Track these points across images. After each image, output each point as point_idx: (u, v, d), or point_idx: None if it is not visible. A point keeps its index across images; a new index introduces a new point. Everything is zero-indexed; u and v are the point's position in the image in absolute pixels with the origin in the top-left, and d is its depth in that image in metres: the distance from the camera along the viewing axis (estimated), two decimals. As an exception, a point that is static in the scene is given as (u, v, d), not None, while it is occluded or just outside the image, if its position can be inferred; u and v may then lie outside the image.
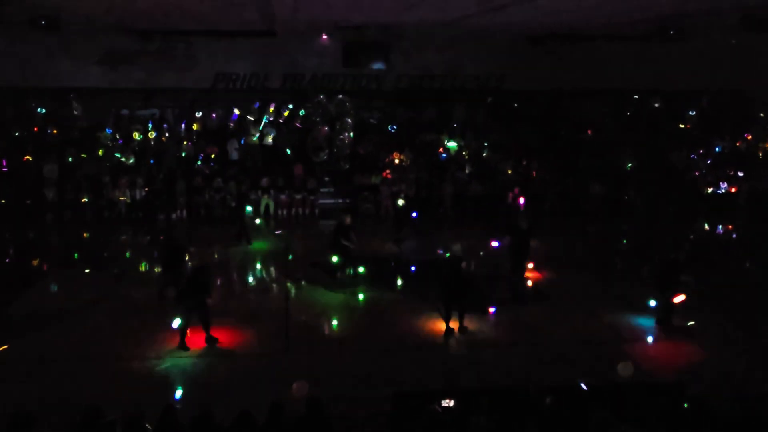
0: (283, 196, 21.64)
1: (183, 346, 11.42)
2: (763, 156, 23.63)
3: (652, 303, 12.90)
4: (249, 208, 19.46)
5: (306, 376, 9.39)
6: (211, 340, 11.67)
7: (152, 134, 22.85)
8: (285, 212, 21.68)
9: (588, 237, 19.29)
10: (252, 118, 23.23)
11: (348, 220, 15.23)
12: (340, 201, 21.88)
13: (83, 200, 20.71)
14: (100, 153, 22.29)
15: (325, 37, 22.31)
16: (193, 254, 15.84)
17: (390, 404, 8.72)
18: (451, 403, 8.30)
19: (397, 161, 22.63)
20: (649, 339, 12.14)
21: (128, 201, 20.92)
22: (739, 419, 8.10)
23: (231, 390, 9.97)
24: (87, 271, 16.04)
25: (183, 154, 22.67)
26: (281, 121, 23.51)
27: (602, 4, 14.36)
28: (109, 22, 18.26)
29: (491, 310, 13.27)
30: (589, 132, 24.17)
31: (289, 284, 13.81)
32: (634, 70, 23.42)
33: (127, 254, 17.94)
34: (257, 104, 23.48)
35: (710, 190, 22.42)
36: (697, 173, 22.96)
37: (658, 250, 16.03)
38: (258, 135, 23.01)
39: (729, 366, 10.89)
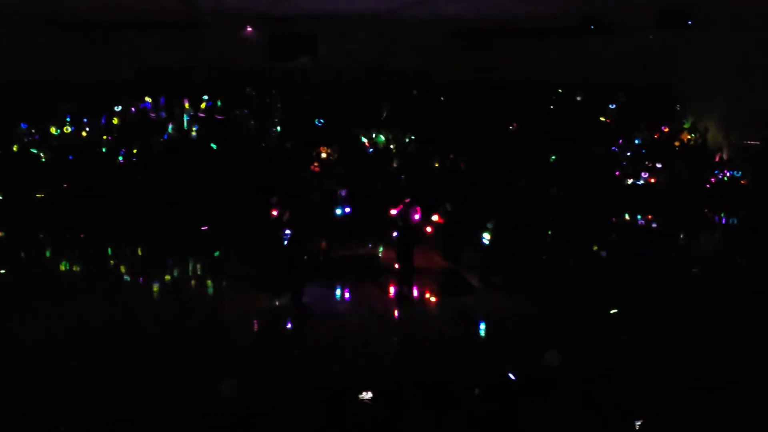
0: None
1: None
2: (680, 147, 24.45)
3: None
4: None
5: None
6: None
7: (68, 129, 21.96)
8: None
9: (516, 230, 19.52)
10: (175, 112, 22.65)
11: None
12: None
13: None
14: (14, 149, 21.38)
15: (250, 29, 21.99)
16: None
17: (322, 400, 8.67)
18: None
19: (324, 155, 22.46)
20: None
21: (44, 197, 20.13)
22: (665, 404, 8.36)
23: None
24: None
25: (103, 150, 21.93)
26: (204, 115, 22.97)
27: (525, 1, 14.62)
28: (26, 13, 17.53)
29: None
30: (515, 126, 24.52)
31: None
32: (558, 65, 23.97)
33: (47, 253, 17.31)
34: (182, 98, 22.90)
35: (630, 181, 23.08)
36: (617, 165, 23.60)
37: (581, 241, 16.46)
38: (182, 129, 22.43)
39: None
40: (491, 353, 11.16)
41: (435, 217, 15.44)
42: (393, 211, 15.03)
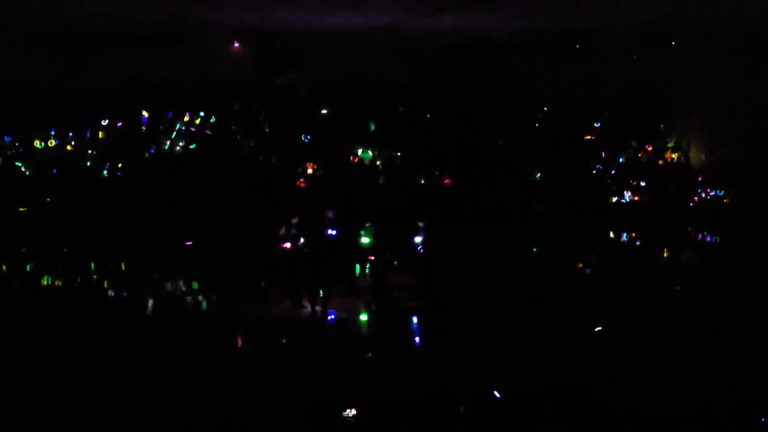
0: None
1: None
2: (663, 166, 24.62)
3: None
4: None
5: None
6: None
7: (52, 142, 21.81)
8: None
9: (500, 247, 19.57)
10: (162, 127, 22.58)
11: None
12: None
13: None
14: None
15: (237, 44, 22.01)
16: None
17: (304, 418, 8.61)
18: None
19: (310, 171, 22.43)
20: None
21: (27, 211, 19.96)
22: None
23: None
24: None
25: (88, 163, 21.78)
26: (192, 129, 22.91)
27: (511, 18, 14.76)
28: (10, 24, 17.46)
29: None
30: (501, 143, 24.62)
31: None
32: (543, 83, 24.21)
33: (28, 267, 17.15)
34: (169, 113, 22.84)
35: (615, 199, 23.21)
36: (602, 183, 23.73)
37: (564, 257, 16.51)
38: (169, 144, 22.35)
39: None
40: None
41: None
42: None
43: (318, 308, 13.48)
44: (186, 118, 22.93)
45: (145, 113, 22.71)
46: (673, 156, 24.89)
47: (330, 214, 14.76)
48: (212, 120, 23.10)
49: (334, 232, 13.85)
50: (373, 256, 14.35)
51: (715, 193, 23.00)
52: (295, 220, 14.31)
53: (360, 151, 23.52)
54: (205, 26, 17.62)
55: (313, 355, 11.95)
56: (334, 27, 16.93)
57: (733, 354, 11.67)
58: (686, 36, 16.74)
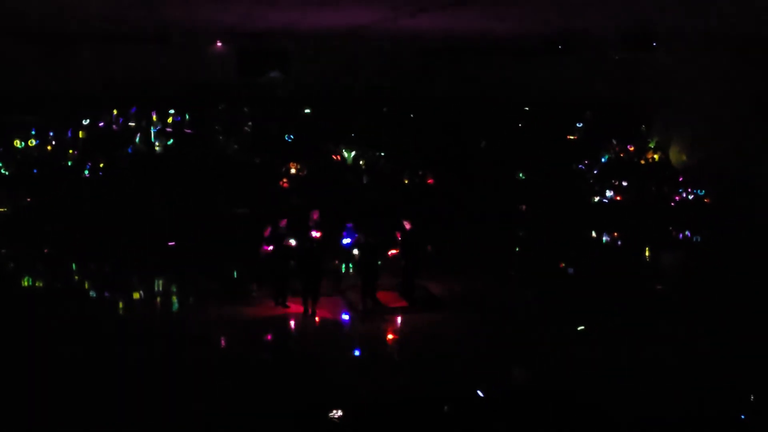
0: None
1: None
2: (645, 166, 24.84)
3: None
4: None
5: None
6: None
7: (32, 142, 21.58)
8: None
9: (484, 247, 19.62)
10: (144, 126, 22.43)
11: None
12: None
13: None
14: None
15: (219, 44, 21.92)
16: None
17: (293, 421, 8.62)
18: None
19: (294, 171, 22.40)
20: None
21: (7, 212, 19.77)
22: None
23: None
24: None
25: (69, 163, 21.61)
26: (170, 129, 22.76)
27: (493, 20, 14.81)
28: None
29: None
30: (484, 143, 24.72)
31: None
32: (526, 84, 24.40)
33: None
34: (152, 112, 22.68)
35: (597, 199, 23.37)
36: (584, 183, 23.89)
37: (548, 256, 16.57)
38: (149, 143, 22.20)
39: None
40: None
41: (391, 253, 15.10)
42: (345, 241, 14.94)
43: (309, 310, 13.45)
44: (170, 119, 22.81)
45: (123, 113, 22.59)
46: (655, 156, 25.14)
47: (315, 216, 14.73)
48: (195, 120, 23.00)
49: (318, 234, 13.76)
50: (359, 256, 14.30)
51: (696, 192, 23.24)
52: (283, 223, 14.31)
53: (344, 151, 23.54)
54: (187, 26, 17.49)
55: (301, 356, 11.98)
56: (317, 27, 16.88)
57: (716, 351, 11.82)
58: (667, 38, 16.86)
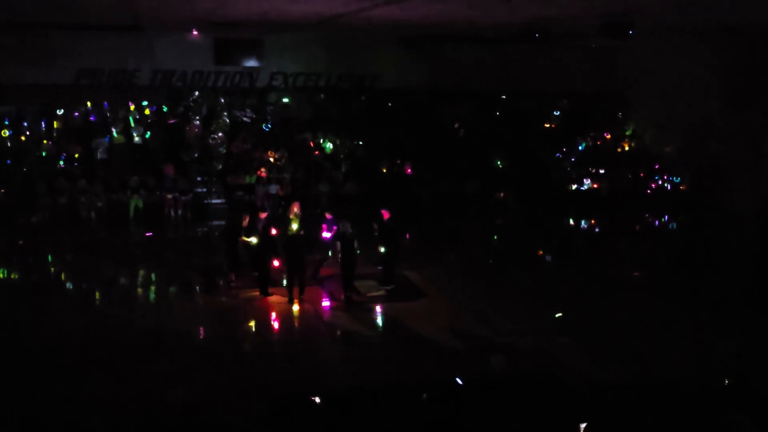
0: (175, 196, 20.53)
1: None
2: (622, 154, 25.02)
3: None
4: None
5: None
6: None
7: (5, 133, 21.24)
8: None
9: (463, 235, 19.68)
10: (119, 116, 22.17)
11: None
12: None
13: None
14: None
15: (195, 33, 21.73)
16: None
17: (268, 408, 8.59)
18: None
19: (272, 160, 22.29)
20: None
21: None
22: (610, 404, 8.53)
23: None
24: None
25: (44, 154, 21.32)
26: (150, 120, 22.53)
27: (470, 8, 14.80)
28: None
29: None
30: (462, 132, 24.76)
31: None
32: (503, 72, 24.48)
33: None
34: (126, 102, 22.41)
35: (574, 187, 23.51)
36: (561, 171, 24.02)
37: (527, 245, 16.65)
38: (125, 133, 21.95)
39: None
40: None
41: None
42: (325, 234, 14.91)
43: (295, 299, 13.42)
44: (147, 111, 22.57)
45: (98, 102, 22.34)
46: (631, 144, 25.31)
47: (296, 208, 14.67)
48: (168, 110, 22.80)
49: (296, 227, 13.71)
50: (339, 246, 14.25)
51: (672, 179, 23.46)
52: (264, 215, 14.31)
53: (321, 141, 23.44)
54: (161, 15, 17.29)
55: (283, 344, 11.99)
56: (293, 16, 16.76)
57: (691, 336, 12.01)
58: (644, 27, 16.96)
